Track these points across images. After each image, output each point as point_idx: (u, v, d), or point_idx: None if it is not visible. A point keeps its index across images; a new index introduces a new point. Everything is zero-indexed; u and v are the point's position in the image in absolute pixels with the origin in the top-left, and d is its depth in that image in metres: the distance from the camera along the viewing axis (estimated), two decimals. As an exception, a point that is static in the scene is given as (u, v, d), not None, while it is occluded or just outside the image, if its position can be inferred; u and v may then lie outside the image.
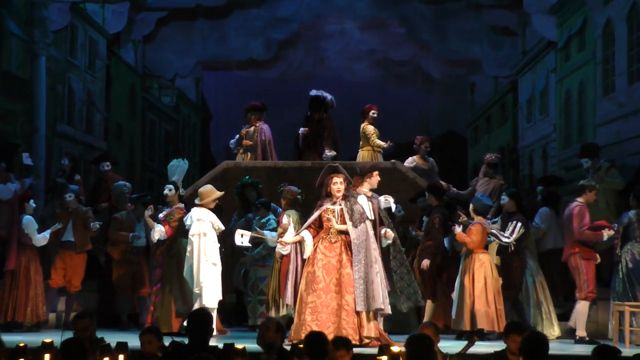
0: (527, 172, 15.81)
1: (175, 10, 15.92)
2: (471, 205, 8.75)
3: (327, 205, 7.56)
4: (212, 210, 8.73)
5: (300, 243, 7.64)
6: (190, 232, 8.57)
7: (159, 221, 9.00)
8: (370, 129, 11.50)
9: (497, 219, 9.27)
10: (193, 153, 20.00)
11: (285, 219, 8.86)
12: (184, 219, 8.76)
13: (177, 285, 8.83)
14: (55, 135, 14.14)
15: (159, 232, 8.83)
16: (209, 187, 8.83)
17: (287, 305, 8.04)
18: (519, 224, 8.65)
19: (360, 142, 11.68)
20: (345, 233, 7.49)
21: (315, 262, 7.41)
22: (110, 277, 9.92)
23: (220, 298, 8.69)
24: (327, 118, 11.51)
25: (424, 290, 9.10)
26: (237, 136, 11.61)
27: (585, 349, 7.42)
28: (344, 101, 12.27)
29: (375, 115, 11.57)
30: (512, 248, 8.66)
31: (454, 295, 8.59)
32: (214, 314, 8.43)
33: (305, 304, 7.32)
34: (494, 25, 15.75)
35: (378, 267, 7.42)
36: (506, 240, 8.61)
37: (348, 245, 7.45)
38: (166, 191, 9.12)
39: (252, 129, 11.53)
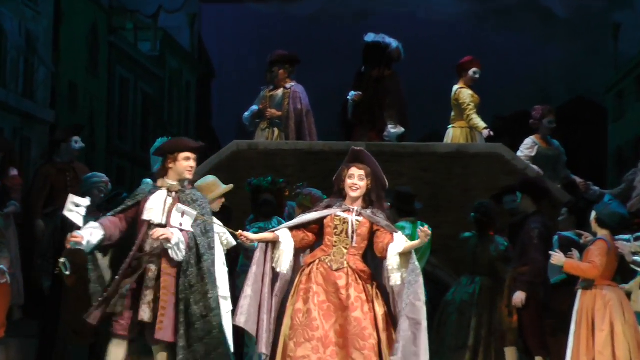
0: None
1: None
2: (594, 214, 8.62)
3: (338, 212, 7.45)
4: (216, 214, 8.67)
5: (273, 245, 7.48)
6: (185, 250, 8.57)
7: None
8: (465, 94, 11.60)
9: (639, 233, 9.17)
10: (185, 128, 20.09)
11: None
12: (173, 229, 8.75)
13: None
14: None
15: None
16: (210, 179, 8.80)
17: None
18: (669, 244, 8.71)
19: (452, 114, 11.76)
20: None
21: (311, 297, 7.29)
22: (58, 314, 9.86)
23: (232, 349, 8.51)
24: (391, 76, 11.61)
25: (527, 340, 9.17)
26: (255, 105, 11.57)
27: None
28: (417, 51, 12.25)
29: (477, 75, 11.67)
30: (661, 281, 8.78)
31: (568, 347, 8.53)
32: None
33: None
34: None
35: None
36: (652, 269, 8.71)
37: (359, 277, 7.36)
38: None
39: (279, 91, 11.59)
